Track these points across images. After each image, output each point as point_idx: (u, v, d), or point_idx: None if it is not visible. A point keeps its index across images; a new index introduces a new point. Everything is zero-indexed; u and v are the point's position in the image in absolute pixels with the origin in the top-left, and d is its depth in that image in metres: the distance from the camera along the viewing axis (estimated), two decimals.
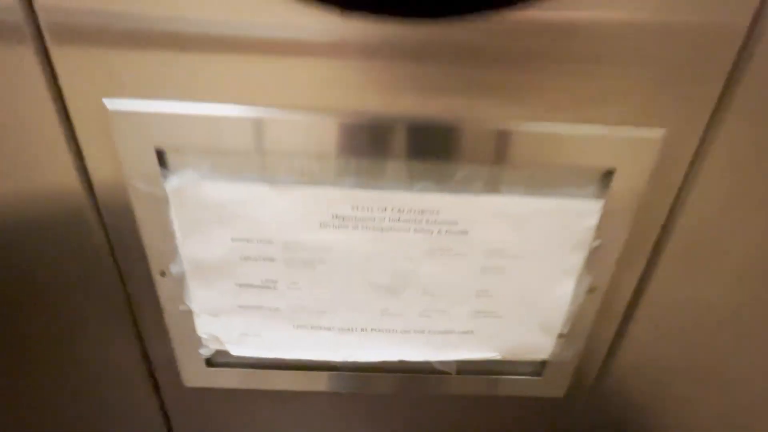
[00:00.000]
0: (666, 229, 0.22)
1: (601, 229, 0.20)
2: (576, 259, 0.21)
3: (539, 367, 0.25)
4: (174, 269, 0.21)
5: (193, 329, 0.23)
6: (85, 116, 0.18)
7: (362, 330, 0.22)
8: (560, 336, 0.23)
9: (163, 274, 0.21)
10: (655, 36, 0.16)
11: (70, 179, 0.20)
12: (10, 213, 0.22)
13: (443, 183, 0.19)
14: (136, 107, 0.17)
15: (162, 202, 0.19)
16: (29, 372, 0.29)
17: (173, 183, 0.19)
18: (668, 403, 0.30)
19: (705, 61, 0.17)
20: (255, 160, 0.19)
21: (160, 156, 0.19)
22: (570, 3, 0.15)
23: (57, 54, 0.17)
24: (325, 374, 0.25)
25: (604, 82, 0.17)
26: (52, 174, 0.20)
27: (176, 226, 0.20)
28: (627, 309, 0.24)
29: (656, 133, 0.18)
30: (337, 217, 0.19)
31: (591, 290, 0.22)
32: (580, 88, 0.17)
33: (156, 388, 0.27)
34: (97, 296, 0.24)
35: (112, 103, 0.17)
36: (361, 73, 0.17)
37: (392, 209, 0.19)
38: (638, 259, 0.23)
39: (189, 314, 0.23)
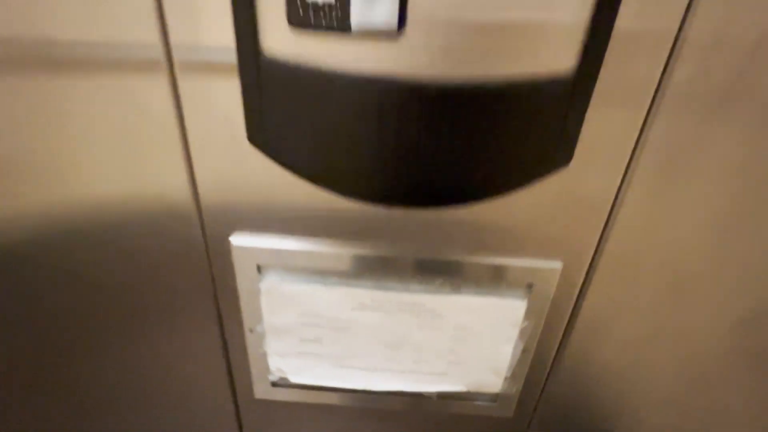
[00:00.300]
0: (573, 312, 0.33)
1: (527, 315, 0.32)
2: (512, 333, 0.32)
3: (494, 396, 0.37)
4: (259, 329, 0.34)
5: (266, 363, 0.36)
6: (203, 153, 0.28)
7: (375, 370, 0.35)
8: (505, 378, 0.35)
9: (251, 330, 0.34)
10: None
11: (192, 233, 0.32)
12: (125, 234, 0.31)
13: (427, 287, 0.31)
14: (249, 242, 0.30)
15: (257, 292, 0.32)
16: (116, 371, 0.41)
17: (265, 283, 0.31)
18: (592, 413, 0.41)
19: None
20: (315, 270, 0.31)
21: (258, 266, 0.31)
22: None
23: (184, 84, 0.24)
24: (352, 394, 0.37)
25: (526, 240, 0.29)
26: (170, 213, 0.30)
27: (263, 305, 0.32)
28: (553, 361, 0.36)
29: (557, 264, 0.30)
30: (362, 304, 0.31)
31: (524, 351, 0.34)
32: (512, 243, 0.29)
33: (234, 397, 0.40)
34: (199, 328, 0.37)
35: (236, 239, 0.30)
36: (382, 232, 0.29)
37: (396, 301, 0.31)
38: (555, 332, 0.34)
39: (264, 354, 0.35)
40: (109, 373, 0.41)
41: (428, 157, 0.23)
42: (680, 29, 0.21)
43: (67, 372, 0.41)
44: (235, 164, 0.27)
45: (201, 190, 0.28)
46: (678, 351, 0.35)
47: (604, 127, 0.24)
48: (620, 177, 0.27)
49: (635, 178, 0.27)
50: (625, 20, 0.20)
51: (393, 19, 0.19)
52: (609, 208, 0.28)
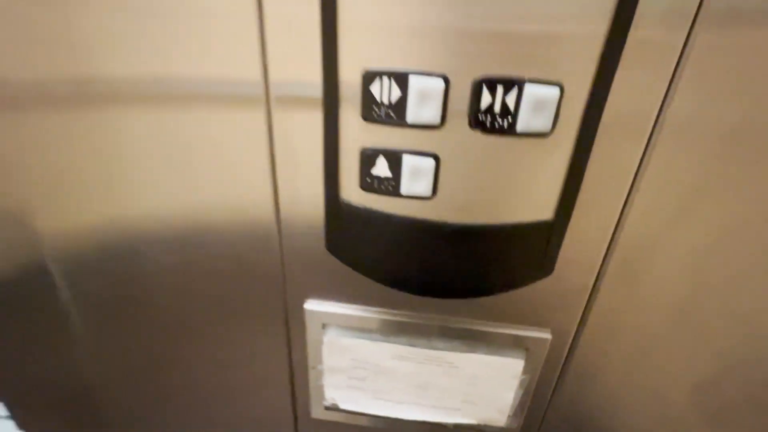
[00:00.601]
0: (563, 367, 0.42)
1: (524, 370, 0.41)
2: (513, 383, 0.42)
3: (500, 429, 0.47)
4: (319, 367, 0.45)
5: (323, 393, 0.47)
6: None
7: (406, 403, 0.45)
8: (509, 416, 0.45)
9: (313, 368, 0.45)
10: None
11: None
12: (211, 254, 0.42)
13: (447, 345, 0.41)
14: (318, 307, 0.41)
15: (320, 342, 0.43)
16: (199, 374, 0.53)
17: (327, 336, 0.42)
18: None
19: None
20: (365, 329, 0.42)
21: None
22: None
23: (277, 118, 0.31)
24: (387, 420, 0.48)
25: (521, 316, 0.39)
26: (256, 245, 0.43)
27: (324, 351, 0.43)
28: (548, 402, 0.45)
29: (547, 334, 0.39)
30: (398, 356, 0.42)
31: (524, 395, 0.43)
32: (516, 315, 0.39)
33: (295, 415, 0.51)
34: (273, 360, 0.48)
35: (308, 305, 0.41)
36: (416, 307, 0.39)
37: (424, 355, 0.41)
38: (549, 381, 0.44)
39: (322, 386, 0.46)
40: (192, 376, 0.53)
41: (449, 267, 0.33)
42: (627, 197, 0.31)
43: (156, 373, 0.53)
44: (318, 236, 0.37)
45: (284, 246, 0.39)
46: (650, 404, 0.44)
47: (581, 244, 0.34)
48: (595, 274, 0.36)
49: (607, 275, 0.36)
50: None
51: (429, 190, 0.30)
52: (587, 293, 0.38)
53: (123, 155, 0.35)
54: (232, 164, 0.34)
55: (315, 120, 0.30)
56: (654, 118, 0.28)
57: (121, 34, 0.29)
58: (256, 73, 0.29)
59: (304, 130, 0.31)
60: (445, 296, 0.36)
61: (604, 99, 0.27)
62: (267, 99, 0.31)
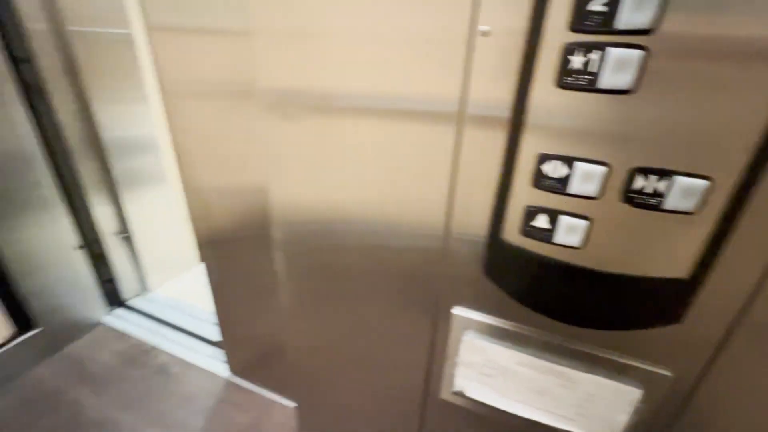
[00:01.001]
0: (682, 407, 0.47)
1: (642, 400, 0.47)
2: (628, 409, 0.48)
3: None
4: (455, 360, 0.57)
5: (453, 380, 0.59)
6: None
7: (524, 403, 0.54)
8: None
9: (449, 359, 0.57)
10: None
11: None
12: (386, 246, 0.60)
13: (570, 363, 0.49)
14: (462, 313, 0.53)
15: (459, 340, 0.54)
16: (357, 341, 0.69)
17: (466, 337, 0.54)
18: None
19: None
20: (499, 336, 0.52)
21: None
22: None
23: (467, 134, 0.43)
24: (504, 414, 0.58)
25: (646, 351, 0.44)
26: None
27: (462, 348, 0.55)
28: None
29: (667, 372, 0.44)
30: (524, 363, 0.51)
31: (640, 422, 0.49)
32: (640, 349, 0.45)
33: (426, 394, 0.64)
34: (418, 347, 0.62)
35: (455, 310, 0.53)
36: (551, 328, 0.48)
37: (547, 367, 0.50)
38: (669, 413, 0.48)
39: (453, 375, 0.58)
40: (359, 345, 0.69)
41: (587, 303, 0.41)
42: None
43: (336, 340, 0.71)
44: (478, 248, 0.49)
45: (447, 258, 0.52)
46: None
47: (715, 300, 0.39)
48: (724, 330, 0.40)
49: (738, 333, 0.40)
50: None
51: (579, 242, 0.39)
52: (715, 345, 0.42)
53: (344, 152, 0.50)
54: (420, 174, 0.46)
55: (490, 178, 0.42)
56: None
57: (356, 61, 0.43)
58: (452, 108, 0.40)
59: (481, 176, 0.43)
60: (579, 325, 0.44)
61: (752, 188, 0.33)
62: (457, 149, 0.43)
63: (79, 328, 1.43)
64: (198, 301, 1.63)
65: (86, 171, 1.35)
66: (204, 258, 0.88)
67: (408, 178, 0.47)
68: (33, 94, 1.18)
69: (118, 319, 1.51)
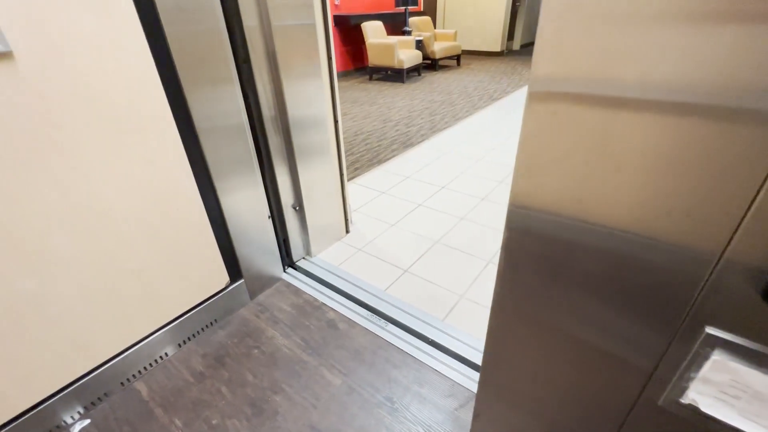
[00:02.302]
0: None
1: None
2: None
3: None
4: (695, 375, 0.58)
5: (684, 392, 0.60)
6: None
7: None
8: None
9: (684, 374, 0.58)
10: None
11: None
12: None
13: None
14: (715, 332, 0.53)
15: (709, 354, 0.55)
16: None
17: (715, 354, 0.54)
18: None
19: None
20: (755, 361, 0.52)
21: None
22: None
23: None
24: None
25: None
26: None
27: (707, 364, 0.56)
28: None
29: None
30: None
31: None
32: None
33: (639, 398, 0.67)
34: (651, 349, 0.64)
35: (709, 329, 0.54)
36: None
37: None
38: None
39: (687, 387, 0.59)
40: (572, 347, 0.74)
41: None
42: None
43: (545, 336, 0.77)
44: None
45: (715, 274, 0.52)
46: None
47: None
48: None
49: None
50: None
51: None
52: None
53: (615, 148, 0.48)
54: (700, 181, 0.44)
55: None
56: None
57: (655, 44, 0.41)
58: None
59: None
60: None
61: None
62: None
63: (266, 282, 1.76)
64: (351, 269, 1.86)
65: (275, 145, 1.59)
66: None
67: (691, 192, 0.46)
68: (245, 82, 1.42)
69: (292, 278, 1.82)
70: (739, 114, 0.39)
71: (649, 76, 0.43)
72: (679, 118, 0.43)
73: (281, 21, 1.39)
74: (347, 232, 2.15)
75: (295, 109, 1.56)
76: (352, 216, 2.30)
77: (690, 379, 0.58)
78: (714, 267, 0.49)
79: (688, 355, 0.57)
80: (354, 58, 6.62)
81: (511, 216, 0.64)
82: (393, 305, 1.62)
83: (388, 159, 3.14)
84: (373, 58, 5.88)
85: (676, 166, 0.46)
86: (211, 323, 1.56)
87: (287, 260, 1.87)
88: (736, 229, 0.46)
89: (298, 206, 1.78)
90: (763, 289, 0.47)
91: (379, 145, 3.43)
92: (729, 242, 0.47)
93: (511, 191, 0.62)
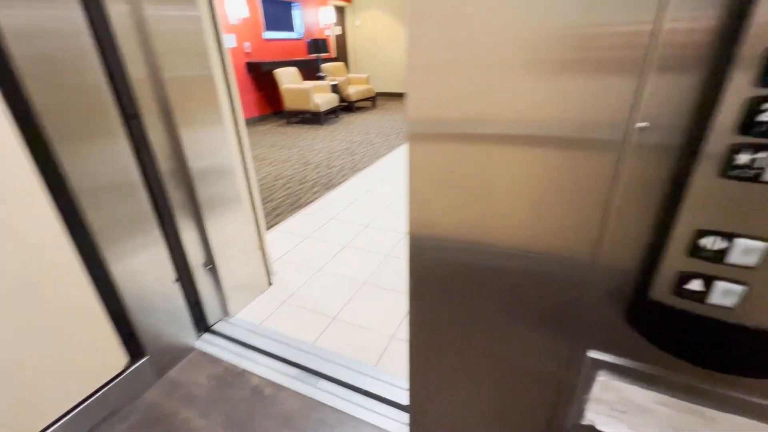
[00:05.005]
0: None
1: None
2: None
3: None
4: (587, 397, 0.62)
5: (584, 413, 0.64)
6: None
7: None
8: None
9: (582, 397, 0.62)
10: None
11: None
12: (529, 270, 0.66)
13: (711, 403, 0.53)
14: (597, 356, 0.58)
15: (594, 378, 0.60)
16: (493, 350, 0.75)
17: (600, 376, 0.59)
18: None
19: None
20: (635, 377, 0.57)
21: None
22: None
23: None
24: None
25: None
26: None
27: (595, 386, 0.60)
28: None
29: None
30: (662, 403, 0.56)
31: None
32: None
33: (551, 420, 0.70)
34: (545, 378, 0.68)
35: (590, 353, 0.58)
36: (694, 373, 0.53)
37: (686, 407, 0.54)
38: None
39: (584, 409, 0.63)
40: (480, 362, 0.75)
41: (730, 352, 0.46)
42: None
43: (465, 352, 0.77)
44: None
45: (585, 302, 0.57)
46: None
47: None
48: None
49: None
50: None
51: (733, 304, 0.44)
52: None
53: (492, 177, 0.53)
54: (569, 202, 0.50)
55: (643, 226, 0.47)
56: None
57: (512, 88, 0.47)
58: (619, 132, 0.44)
59: (632, 228, 0.48)
60: (727, 373, 0.49)
61: None
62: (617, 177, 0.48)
63: (178, 354, 1.56)
64: (275, 325, 1.74)
65: (177, 200, 1.47)
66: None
67: (557, 208, 0.51)
68: (137, 140, 1.31)
69: (208, 344, 1.64)
70: (580, 142, 0.45)
71: (500, 115, 0.49)
72: (532, 148, 0.49)
73: (174, 72, 1.33)
74: (270, 284, 2.03)
75: (197, 161, 1.47)
76: (275, 266, 2.19)
77: (585, 401, 0.62)
78: (585, 290, 0.54)
79: (578, 379, 0.61)
80: (271, 103, 6.62)
81: (410, 248, 0.66)
82: (323, 358, 1.54)
83: (311, 202, 3.11)
84: (290, 103, 5.93)
85: (539, 190, 0.51)
86: (109, 415, 1.32)
87: (202, 325, 1.69)
88: (596, 252, 0.52)
89: (211, 264, 1.65)
90: (624, 311, 0.53)
91: (300, 189, 3.39)
92: (593, 263, 0.53)
93: (408, 224, 0.64)
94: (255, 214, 1.85)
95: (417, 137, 0.56)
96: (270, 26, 6.32)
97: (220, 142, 1.56)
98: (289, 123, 6.21)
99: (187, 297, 1.56)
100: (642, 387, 0.56)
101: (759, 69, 0.35)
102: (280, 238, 2.54)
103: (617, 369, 0.57)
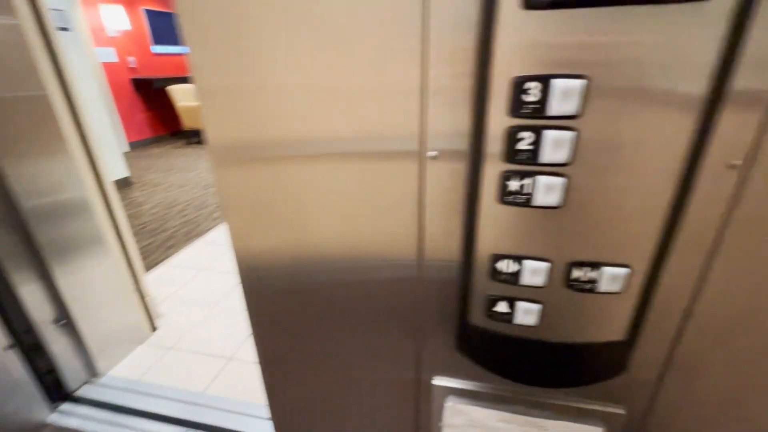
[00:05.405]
0: None
1: None
2: None
3: None
4: (440, 425, 0.60)
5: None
6: None
7: None
8: None
9: (438, 424, 0.61)
10: None
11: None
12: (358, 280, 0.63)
13: (542, 414, 0.55)
14: (442, 382, 0.57)
15: (443, 405, 0.58)
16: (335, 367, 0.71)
17: (448, 402, 0.58)
18: None
19: None
20: (478, 399, 0.57)
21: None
22: None
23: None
24: None
25: (600, 396, 0.52)
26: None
27: (445, 412, 0.59)
28: None
29: (621, 410, 0.51)
30: (503, 420, 0.56)
31: None
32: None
33: None
34: (399, 418, 0.65)
35: (436, 380, 0.57)
36: (521, 389, 0.54)
37: (524, 420, 0.56)
38: None
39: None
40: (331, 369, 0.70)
41: (546, 367, 0.47)
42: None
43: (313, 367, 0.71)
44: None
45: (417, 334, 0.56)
46: None
47: (645, 353, 0.47)
48: (658, 372, 0.48)
49: (669, 373, 0.48)
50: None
51: (534, 322, 0.45)
52: (653, 384, 0.50)
53: (304, 195, 0.50)
54: (386, 211, 0.48)
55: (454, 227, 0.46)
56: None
57: (310, 110, 0.44)
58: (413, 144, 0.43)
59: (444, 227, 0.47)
60: (542, 386, 0.50)
61: (660, 269, 0.41)
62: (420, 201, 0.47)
63: None
64: (159, 377, 1.52)
65: (5, 250, 1.21)
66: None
67: (372, 215, 0.49)
68: None
69: (67, 417, 1.37)
70: (378, 155, 0.44)
71: (304, 135, 0.47)
72: (342, 163, 0.46)
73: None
74: (154, 329, 1.79)
75: (31, 199, 1.23)
76: (162, 307, 1.94)
77: (441, 428, 0.60)
78: (416, 297, 0.53)
79: (431, 407, 0.59)
80: (167, 123, 6.05)
81: (243, 287, 0.60)
82: (213, 407, 1.37)
83: (210, 229, 2.86)
84: (189, 122, 5.48)
85: (351, 202, 0.48)
86: None
87: (58, 394, 1.41)
88: (420, 263, 0.50)
89: (65, 320, 1.38)
90: (456, 342, 0.52)
91: (198, 216, 3.10)
92: (419, 277, 0.51)
93: (235, 262, 0.58)
94: (126, 253, 1.61)
95: (222, 162, 0.50)
96: (159, 40, 5.80)
97: (65, 175, 1.33)
98: (188, 144, 5.73)
99: (31, 363, 1.28)
100: (485, 407, 0.56)
101: (508, 100, 0.35)
102: (172, 273, 2.27)
103: (462, 393, 0.57)
